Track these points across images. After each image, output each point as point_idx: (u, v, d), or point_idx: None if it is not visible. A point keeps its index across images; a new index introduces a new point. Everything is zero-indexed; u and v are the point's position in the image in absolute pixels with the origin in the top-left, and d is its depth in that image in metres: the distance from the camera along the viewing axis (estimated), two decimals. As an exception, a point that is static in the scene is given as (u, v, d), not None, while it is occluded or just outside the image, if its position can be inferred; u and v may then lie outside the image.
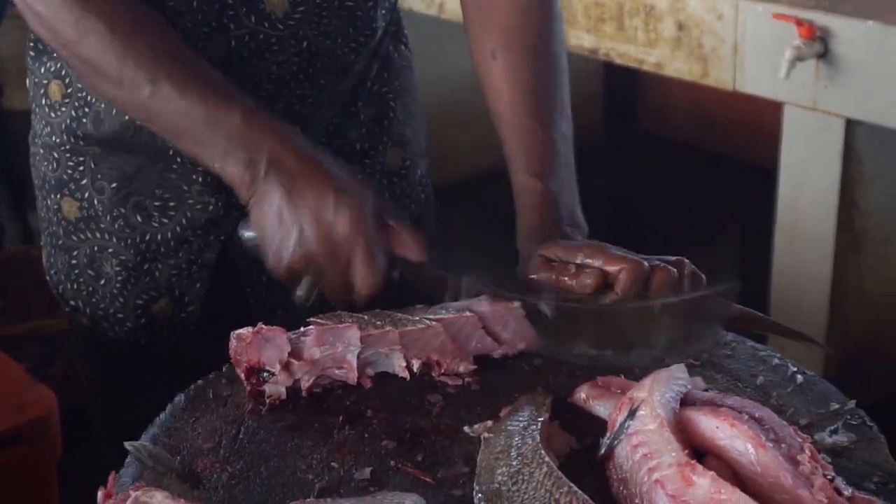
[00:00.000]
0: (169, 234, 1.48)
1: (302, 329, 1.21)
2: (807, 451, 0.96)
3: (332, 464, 1.08)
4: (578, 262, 1.27)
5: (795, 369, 1.21)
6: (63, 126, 1.49)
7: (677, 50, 2.87)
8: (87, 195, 1.50)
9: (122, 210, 1.48)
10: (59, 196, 1.52)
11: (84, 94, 1.46)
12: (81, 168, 1.49)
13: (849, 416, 1.12)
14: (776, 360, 1.23)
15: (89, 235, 1.51)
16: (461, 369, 1.22)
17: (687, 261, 1.28)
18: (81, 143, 1.48)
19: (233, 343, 1.19)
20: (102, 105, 1.45)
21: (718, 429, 0.98)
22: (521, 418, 1.09)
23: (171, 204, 1.47)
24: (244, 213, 1.31)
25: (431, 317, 1.23)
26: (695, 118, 4.70)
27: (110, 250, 1.50)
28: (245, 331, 1.18)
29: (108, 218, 1.49)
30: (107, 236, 1.50)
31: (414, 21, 3.13)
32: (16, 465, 1.67)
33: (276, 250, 1.27)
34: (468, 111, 4.28)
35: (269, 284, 1.47)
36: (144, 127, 1.40)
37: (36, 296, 2.80)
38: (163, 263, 1.49)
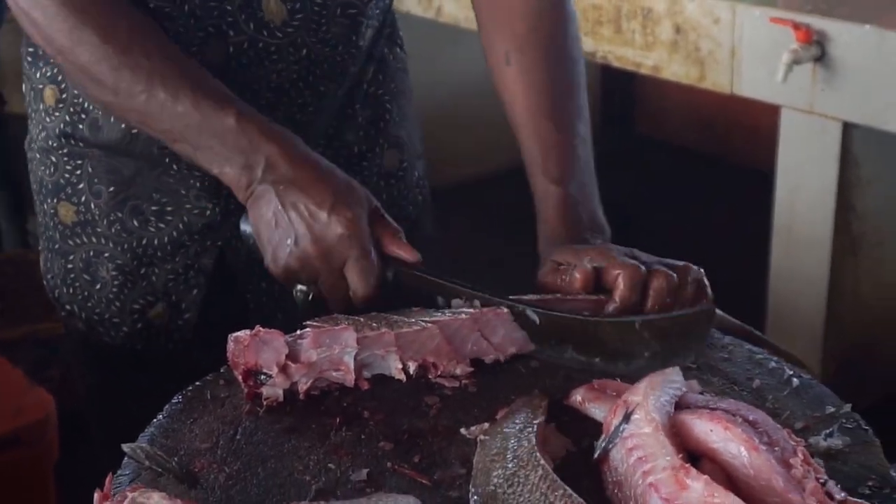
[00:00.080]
0: (166, 239, 1.48)
1: (299, 332, 1.21)
2: (800, 455, 0.96)
3: (329, 465, 1.08)
4: (584, 265, 1.28)
5: (791, 372, 1.21)
6: (58, 130, 1.49)
7: (674, 53, 2.88)
8: (83, 199, 1.50)
9: (119, 214, 1.48)
10: (55, 200, 1.52)
11: (80, 99, 1.46)
12: (78, 172, 1.50)
13: (844, 420, 1.12)
14: (772, 364, 1.23)
15: (85, 240, 1.51)
16: (458, 371, 1.22)
17: (694, 268, 1.28)
18: (80, 145, 1.48)
19: (230, 345, 1.19)
20: (100, 112, 1.45)
21: (712, 432, 0.98)
22: (517, 421, 1.09)
23: (169, 209, 1.47)
24: (244, 211, 1.32)
25: (427, 319, 1.23)
26: (692, 121, 4.71)
27: (106, 255, 1.50)
28: (242, 333, 1.19)
29: (105, 222, 1.49)
30: (103, 241, 1.50)
31: (411, 24, 3.14)
32: (14, 468, 1.67)
33: (272, 252, 1.29)
34: (467, 114, 4.32)
35: (268, 289, 1.48)
36: (142, 133, 1.40)
37: (33, 299, 2.80)
38: (159, 268, 1.49)
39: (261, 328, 1.19)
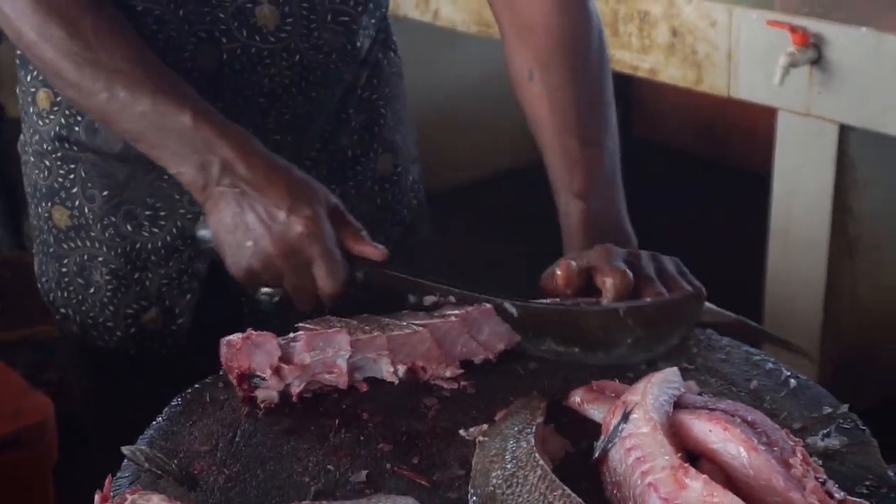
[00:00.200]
0: (159, 244, 1.48)
1: (291, 335, 1.21)
2: (799, 455, 0.97)
3: (329, 467, 1.08)
4: (584, 265, 1.28)
5: (789, 373, 1.21)
6: (52, 133, 1.49)
7: (671, 56, 2.88)
8: (77, 203, 1.50)
9: (113, 219, 1.48)
10: (49, 204, 1.52)
11: (76, 102, 1.46)
12: (72, 176, 1.49)
13: (841, 420, 1.13)
14: (770, 365, 1.24)
15: (79, 244, 1.51)
16: (447, 374, 1.22)
17: (686, 285, 1.28)
18: (74, 149, 1.48)
19: (223, 349, 1.19)
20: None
21: (711, 432, 0.98)
22: (515, 422, 1.09)
23: (162, 213, 1.47)
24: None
25: (418, 322, 1.23)
26: (689, 124, 4.71)
27: (100, 259, 1.50)
28: (235, 337, 1.19)
29: (99, 226, 1.49)
30: (97, 245, 1.50)
31: (408, 28, 3.14)
32: (13, 470, 1.67)
33: (232, 255, 1.29)
34: (463, 118, 4.32)
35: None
36: None
37: (30, 302, 2.79)
38: (153, 273, 1.49)
39: (252, 331, 1.19)
